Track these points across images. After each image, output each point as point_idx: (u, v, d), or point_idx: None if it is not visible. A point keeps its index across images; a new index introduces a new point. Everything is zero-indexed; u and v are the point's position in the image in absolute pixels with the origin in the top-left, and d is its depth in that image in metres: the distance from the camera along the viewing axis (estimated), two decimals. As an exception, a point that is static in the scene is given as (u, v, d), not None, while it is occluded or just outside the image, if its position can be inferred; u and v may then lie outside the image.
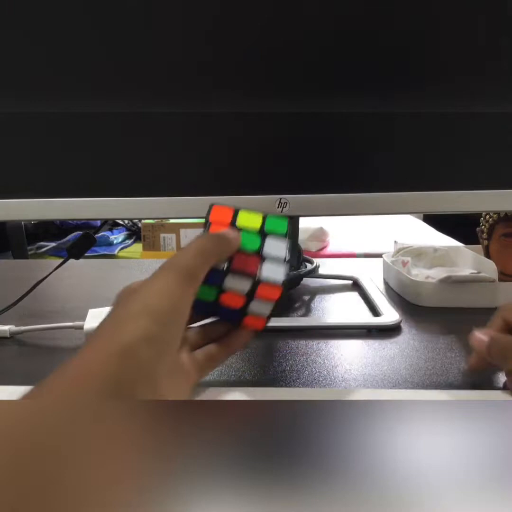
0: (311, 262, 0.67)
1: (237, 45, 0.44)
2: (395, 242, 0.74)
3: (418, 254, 0.70)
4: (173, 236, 2.01)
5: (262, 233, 0.37)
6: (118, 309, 0.30)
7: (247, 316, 0.36)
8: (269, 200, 0.47)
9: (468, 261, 0.67)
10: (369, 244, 1.89)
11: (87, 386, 0.24)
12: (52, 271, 0.56)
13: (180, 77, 0.45)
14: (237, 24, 0.43)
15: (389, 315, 0.54)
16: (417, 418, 0.21)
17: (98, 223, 1.85)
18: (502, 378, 0.41)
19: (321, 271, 0.70)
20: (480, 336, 0.37)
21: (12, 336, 0.52)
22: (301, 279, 0.67)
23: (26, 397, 0.24)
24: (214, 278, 0.35)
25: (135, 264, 0.84)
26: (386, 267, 0.70)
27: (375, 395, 0.39)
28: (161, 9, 0.43)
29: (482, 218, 0.68)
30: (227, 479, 0.18)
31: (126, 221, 2.30)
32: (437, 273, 0.64)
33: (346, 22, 0.43)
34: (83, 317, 0.50)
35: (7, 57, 0.44)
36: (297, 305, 0.61)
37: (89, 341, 0.28)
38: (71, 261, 0.56)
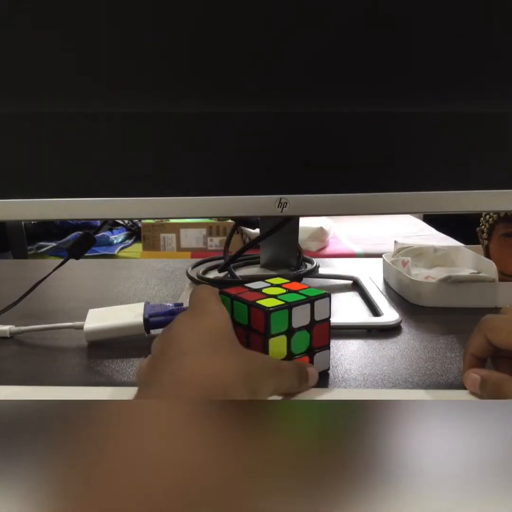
0: (311, 262, 0.67)
1: (238, 45, 0.44)
2: (395, 242, 0.74)
3: (418, 254, 0.70)
4: (173, 236, 2.01)
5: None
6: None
7: None
8: (269, 200, 0.47)
9: (468, 261, 0.66)
10: (369, 244, 1.89)
11: None
12: (52, 271, 0.56)
13: (179, 77, 0.45)
14: (237, 23, 0.43)
15: (389, 315, 0.54)
16: (417, 418, 0.21)
17: (98, 223, 1.85)
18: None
19: (321, 271, 0.70)
20: (474, 376, 0.36)
21: (12, 336, 0.51)
22: (301, 279, 0.67)
23: None
24: None
25: (135, 264, 0.84)
26: (386, 267, 0.70)
27: (375, 395, 0.39)
28: (160, 8, 0.43)
29: (482, 218, 0.68)
30: (228, 479, 0.18)
31: (126, 221, 2.30)
32: (437, 273, 0.63)
33: (346, 22, 0.43)
34: (83, 317, 0.50)
35: (7, 57, 0.44)
36: (297, 305, 0.61)
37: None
38: (71, 261, 0.56)
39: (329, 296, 0.40)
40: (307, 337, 0.39)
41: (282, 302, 0.37)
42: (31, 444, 0.19)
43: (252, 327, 0.37)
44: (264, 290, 0.40)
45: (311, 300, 0.38)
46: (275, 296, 0.38)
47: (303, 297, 0.38)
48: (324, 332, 0.40)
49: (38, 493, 0.17)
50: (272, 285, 0.41)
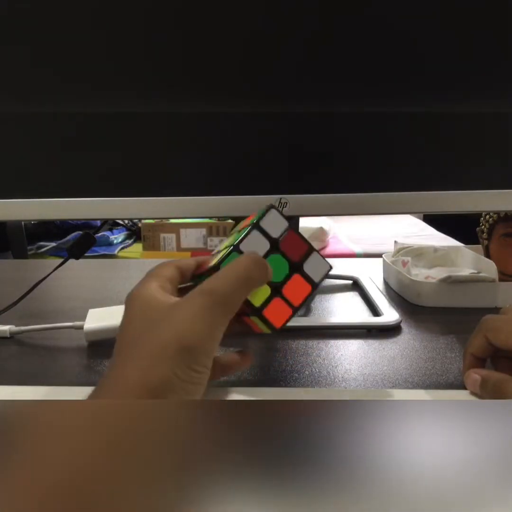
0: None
1: (238, 45, 0.44)
2: (395, 242, 0.74)
3: (418, 254, 0.70)
4: (173, 236, 2.01)
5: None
6: (146, 336, 0.29)
7: (268, 308, 0.34)
8: (269, 200, 0.47)
9: (468, 261, 0.66)
10: (369, 244, 1.89)
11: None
12: (52, 271, 0.56)
13: (179, 76, 0.45)
14: (237, 23, 0.43)
15: (389, 315, 0.54)
16: (417, 418, 0.21)
17: (98, 223, 1.85)
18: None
19: (321, 271, 0.70)
20: (475, 376, 0.36)
21: (12, 336, 0.51)
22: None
23: None
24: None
25: (135, 264, 0.84)
26: (386, 267, 0.70)
27: (375, 395, 0.39)
28: (160, 8, 0.43)
29: (482, 218, 0.68)
30: (228, 479, 0.18)
31: (126, 221, 2.30)
32: (437, 273, 0.63)
33: (347, 22, 0.43)
34: (83, 317, 0.50)
35: (7, 57, 0.44)
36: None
37: (112, 376, 0.28)
38: (71, 261, 0.56)
39: (273, 206, 0.36)
40: (280, 259, 0.35)
41: (227, 249, 0.34)
42: None
43: None
44: (221, 248, 0.36)
45: (255, 225, 0.35)
46: (226, 247, 0.35)
47: (247, 228, 0.35)
48: (294, 242, 0.36)
49: None
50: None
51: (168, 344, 0.28)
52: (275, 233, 0.35)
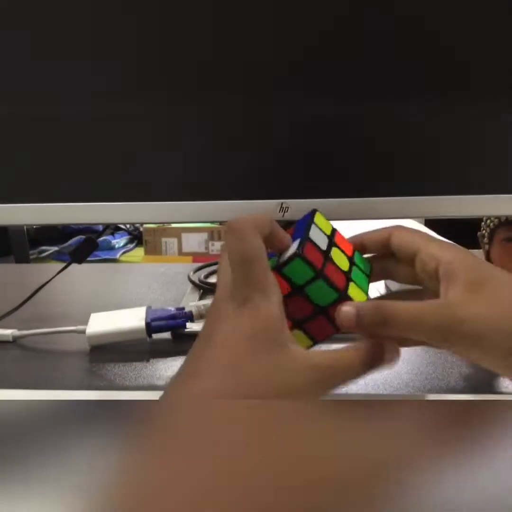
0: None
1: (239, 46, 0.44)
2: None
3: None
4: (175, 240, 2.02)
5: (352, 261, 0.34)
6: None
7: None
8: (270, 204, 0.48)
9: (469, 265, 0.66)
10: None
11: None
12: (55, 275, 0.56)
13: (178, 79, 0.45)
14: (237, 23, 0.44)
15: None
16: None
17: (100, 227, 1.84)
18: (503, 382, 0.41)
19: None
20: (346, 308, 0.31)
21: (15, 340, 0.52)
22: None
23: None
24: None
25: (136, 269, 0.84)
26: (388, 271, 0.70)
27: (377, 399, 0.39)
28: (164, 8, 0.43)
29: (483, 223, 0.68)
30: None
31: (128, 226, 2.30)
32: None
33: (348, 23, 0.44)
34: (85, 321, 0.50)
35: (7, 57, 0.44)
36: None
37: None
38: (73, 265, 0.56)
39: (297, 255, 0.31)
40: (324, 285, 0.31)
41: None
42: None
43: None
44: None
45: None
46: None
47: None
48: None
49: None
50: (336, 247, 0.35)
51: (267, 393, 0.27)
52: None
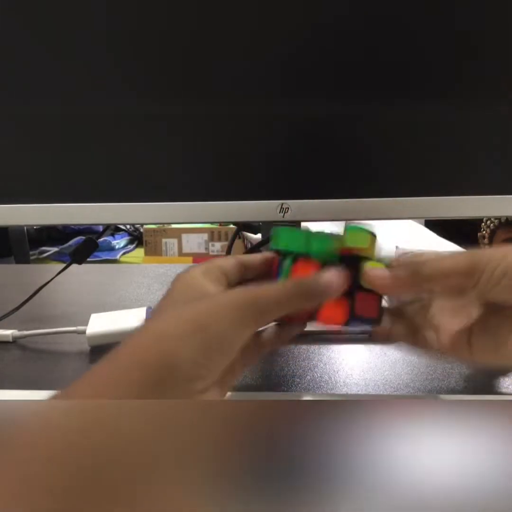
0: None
1: (239, 46, 0.44)
2: (397, 247, 0.74)
3: (420, 259, 0.70)
4: (175, 241, 2.01)
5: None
6: (167, 311, 0.28)
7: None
8: (271, 205, 0.48)
9: (469, 266, 0.66)
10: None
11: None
12: (55, 276, 0.56)
13: (179, 79, 0.45)
14: (237, 23, 0.44)
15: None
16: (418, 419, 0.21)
17: (101, 228, 1.85)
18: (503, 382, 0.41)
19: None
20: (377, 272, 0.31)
21: (15, 340, 0.52)
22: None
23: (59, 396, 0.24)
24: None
25: (137, 269, 0.84)
26: (388, 272, 0.70)
27: (377, 399, 0.39)
28: (168, 8, 0.43)
29: (483, 224, 0.68)
30: (228, 481, 0.18)
31: (128, 226, 2.30)
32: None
33: (349, 23, 0.44)
34: (85, 322, 0.50)
35: (7, 57, 0.44)
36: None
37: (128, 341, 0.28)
38: (74, 266, 0.56)
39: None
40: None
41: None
42: None
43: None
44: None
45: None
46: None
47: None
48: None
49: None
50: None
51: (184, 323, 0.26)
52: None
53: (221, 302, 0.28)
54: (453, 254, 0.30)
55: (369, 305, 0.32)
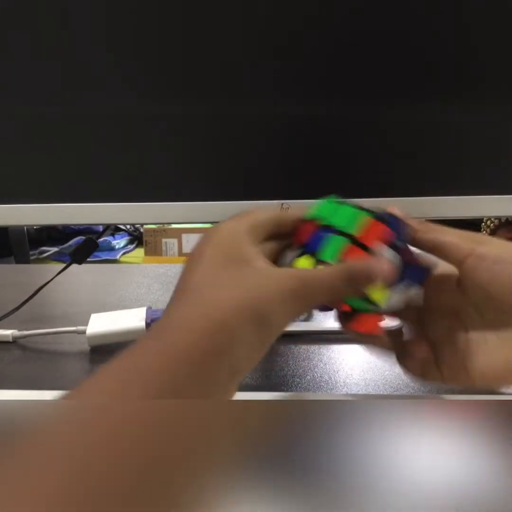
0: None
1: (239, 45, 0.44)
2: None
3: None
4: (175, 241, 2.02)
5: None
6: (221, 283, 0.26)
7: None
8: (271, 205, 0.48)
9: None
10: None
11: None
12: (55, 276, 0.56)
13: (180, 78, 0.45)
14: (237, 23, 0.44)
15: (390, 319, 0.54)
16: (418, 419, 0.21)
17: (101, 228, 1.85)
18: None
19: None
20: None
21: (15, 340, 0.52)
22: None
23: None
24: None
25: (137, 269, 0.84)
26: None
27: (376, 399, 0.39)
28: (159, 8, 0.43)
29: (483, 224, 0.68)
30: (228, 481, 0.18)
31: (128, 226, 2.31)
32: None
33: (350, 24, 0.44)
34: (85, 322, 0.50)
35: (7, 57, 0.44)
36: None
37: (173, 313, 0.26)
38: (74, 266, 0.56)
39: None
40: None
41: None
42: None
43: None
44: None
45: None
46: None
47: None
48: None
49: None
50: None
51: (242, 308, 0.25)
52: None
53: (274, 287, 0.26)
54: (455, 230, 0.32)
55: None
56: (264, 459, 0.19)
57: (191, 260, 0.28)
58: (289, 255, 0.32)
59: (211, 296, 0.26)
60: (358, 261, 0.29)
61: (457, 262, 0.31)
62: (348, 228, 0.31)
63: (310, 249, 0.31)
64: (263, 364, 0.46)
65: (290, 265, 0.31)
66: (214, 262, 0.28)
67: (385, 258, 0.30)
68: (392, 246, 0.31)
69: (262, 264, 0.28)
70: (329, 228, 0.31)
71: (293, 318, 0.27)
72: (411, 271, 0.31)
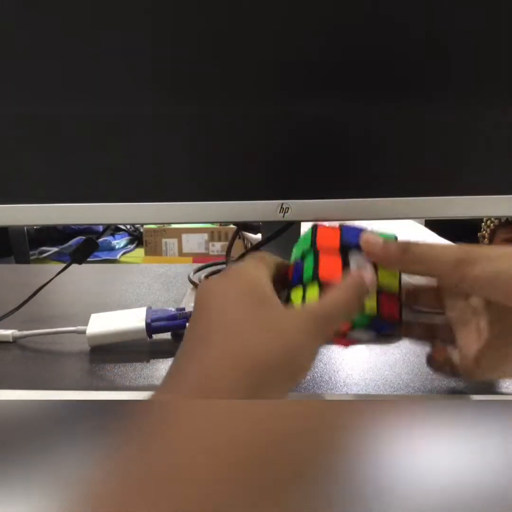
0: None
1: (239, 45, 0.44)
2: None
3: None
4: (175, 241, 2.02)
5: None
6: (247, 328, 0.27)
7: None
8: (271, 205, 0.48)
9: (469, 266, 0.66)
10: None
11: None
12: (55, 276, 0.56)
13: (178, 79, 0.45)
14: (237, 23, 0.44)
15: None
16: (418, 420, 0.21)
17: (101, 228, 1.85)
18: (503, 382, 0.41)
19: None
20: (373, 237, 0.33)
21: (15, 340, 0.52)
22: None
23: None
24: None
25: (137, 269, 0.84)
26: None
27: (377, 399, 0.39)
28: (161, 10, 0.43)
29: (483, 223, 0.68)
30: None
31: (128, 226, 2.31)
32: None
33: (350, 24, 0.44)
34: (85, 322, 0.50)
35: (8, 57, 0.44)
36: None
37: (191, 358, 0.27)
38: (74, 266, 0.56)
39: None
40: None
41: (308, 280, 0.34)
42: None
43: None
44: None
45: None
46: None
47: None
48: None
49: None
50: None
51: (273, 355, 0.26)
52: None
53: (301, 327, 0.28)
54: (447, 244, 0.32)
55: (392, 306, 0.34)
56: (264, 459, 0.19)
57: (213, 300, 0.29)
58: (282, 294, 0.33)
59: (248, 338, 0.27)
60: (348, 275, 0.31)
61: (450, 286, 0.32)
62: (310, 246, 0.35)
63: (295, 281, 0.34)
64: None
65: (286, 302, 0.34)
66: (243, 303, 0.28)
67: (362, 268, 0.32)
68: (346, 248, 0.34)
69: (282, 306, 0.29)
70: (301, 258, 0.35)
71: (321, 348, 0.29)
72: (379, 323, 0.34)
